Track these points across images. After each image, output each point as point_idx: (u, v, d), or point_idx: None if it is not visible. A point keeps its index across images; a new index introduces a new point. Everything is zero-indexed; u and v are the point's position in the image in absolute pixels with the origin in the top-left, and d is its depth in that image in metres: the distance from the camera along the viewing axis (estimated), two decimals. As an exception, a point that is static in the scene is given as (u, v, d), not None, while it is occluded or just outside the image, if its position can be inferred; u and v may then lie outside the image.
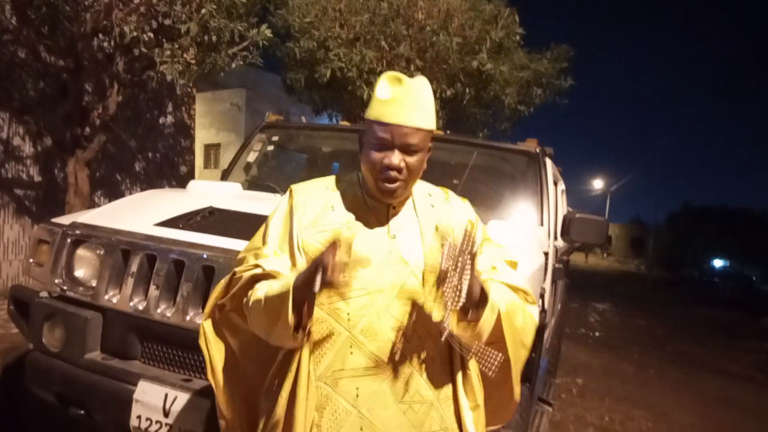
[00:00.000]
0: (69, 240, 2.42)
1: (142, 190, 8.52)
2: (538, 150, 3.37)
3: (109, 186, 8.49)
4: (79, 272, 2.42)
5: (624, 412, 5.07)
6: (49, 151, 6.94)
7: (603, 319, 11.23)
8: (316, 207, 1.39)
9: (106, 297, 2.27)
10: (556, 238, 3.34)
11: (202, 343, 1.46)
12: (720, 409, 5.65)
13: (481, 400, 1.42)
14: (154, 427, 2.02)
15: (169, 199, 2.95)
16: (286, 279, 1.26)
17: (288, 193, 1.46)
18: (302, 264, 1.33)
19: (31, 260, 2.63)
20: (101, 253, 2.36)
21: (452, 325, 1.24)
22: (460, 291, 1.14)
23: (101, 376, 2.18)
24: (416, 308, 1.32)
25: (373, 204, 1.39)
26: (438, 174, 3.52)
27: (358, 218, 1.37)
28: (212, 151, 19.33)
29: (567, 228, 3.12)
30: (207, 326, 1.45)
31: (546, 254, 2.93)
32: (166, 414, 2.00)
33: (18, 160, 7.11)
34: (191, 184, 3.20)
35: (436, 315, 1.34)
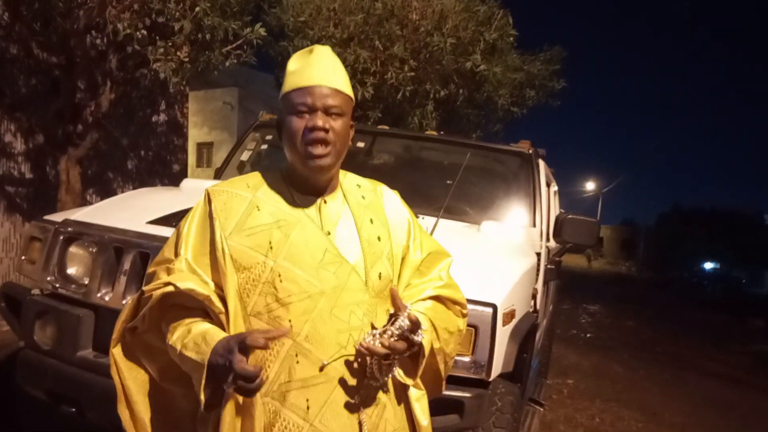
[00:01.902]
0: (61, 237, 2.42)
1: (134, 188, 8.48)
2: (531, 151, 3.39)
3: (101, 184, 8.44)
4: (72, 270, 2.41)
5: (614, 413, 5.10)
6: (40, 148, 6.89)
7: (593, 320, 11.29)
8: (239, 209, 1.26)
9: (99, 295, 2.26)
10: (548, 239, 3.36)
11: (113, 372, 1.33)
12: (708, 410, 5.70)
13: (423, 389, 1.40)
14: (147, 425, 2.01)
15: (163, 197, 2.94)
16: (203, 341, 1.15)
17: (204, 197, 1.31)
18: (231, 274, 1.21)
19: (23, 257, 2.61)
20: (94, 250, 2.35)
21: (399, 375, 1.28)
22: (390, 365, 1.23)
23: (93, 373, 2.17)
24: (362, 308, 1.24)
25: (303, 199, 1.30)
26: (431, 174, 3.56)
27: (287, 217, 1.26)
28: (205, 149, 19.31)
29: (559, 229, 3.14)
30: (117, 353, 1.32)
31: (538, 255, 2.96)
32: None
33: (9, 157, 7.05)
34: (185, 182, 3.21)
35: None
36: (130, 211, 2.60)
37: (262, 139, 3.84)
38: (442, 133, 4.53)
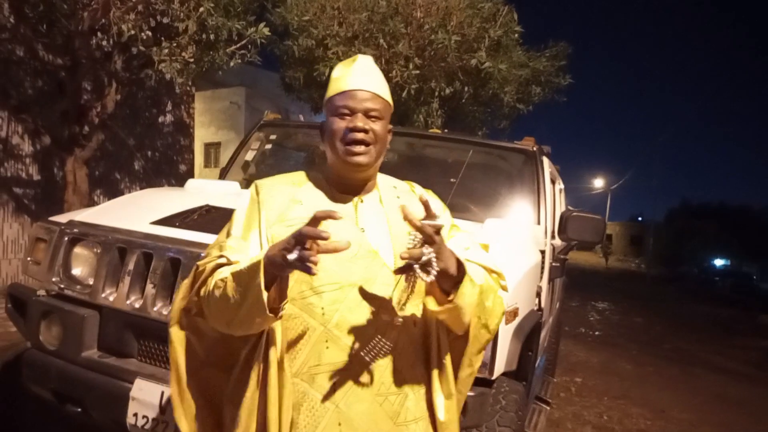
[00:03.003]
0: (66, 238, 2.43)
1: (141, 188, 8.53)
2: (535, 148, 3.37)
3: (108, 184, 8.50)
4: (77, 270, 2.42)
5: (622, 410, 5.08)
6: (47, 149, 6.93)
7: (602, 317, 11.26)
8: (282, 202, 1.36)
9: (103, 295, 2.27)
10: (553, 236, 3.35)
11: (171, 351, 1.42)
12: (717, 406, 5.66)
13: (454, 390, 1.40)
14: (151, 424, 2.02)
15: (167, 197, 2.95)
16: (254, 257, 1.21)
17: (253, 187, 1.42)
18: None
19: (28, 258, 2.63)
20: (98, 251, 2.36)
21: (429, 303, 1.26)
22: (431, 264, 1.13)
23: (98, 373, 2.19)
24: (390, 300, 1.31)
25: (341, 197, 1.38)
26: (435, 172, 3.55)
27: None
28: (212, 149, 19.34)
29: (564, 226, 3.13)
30: (175, 333, 1.41)
31: (543, 252, 2.94)
32: (162, 411, 2.01)
33: (16, 158, 7.11)
34: (189, 182, 3.21)
35: (401, 301, 1.32)
36: (134, 211, 2.61)
37: (266, 139, 3.85)
38: (446, 130, 4.52)
